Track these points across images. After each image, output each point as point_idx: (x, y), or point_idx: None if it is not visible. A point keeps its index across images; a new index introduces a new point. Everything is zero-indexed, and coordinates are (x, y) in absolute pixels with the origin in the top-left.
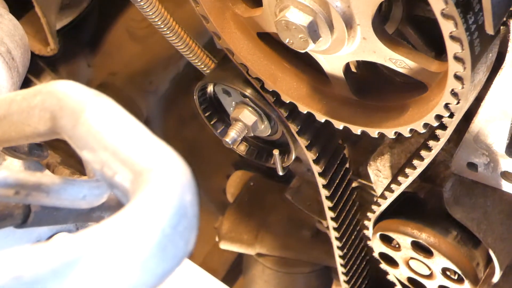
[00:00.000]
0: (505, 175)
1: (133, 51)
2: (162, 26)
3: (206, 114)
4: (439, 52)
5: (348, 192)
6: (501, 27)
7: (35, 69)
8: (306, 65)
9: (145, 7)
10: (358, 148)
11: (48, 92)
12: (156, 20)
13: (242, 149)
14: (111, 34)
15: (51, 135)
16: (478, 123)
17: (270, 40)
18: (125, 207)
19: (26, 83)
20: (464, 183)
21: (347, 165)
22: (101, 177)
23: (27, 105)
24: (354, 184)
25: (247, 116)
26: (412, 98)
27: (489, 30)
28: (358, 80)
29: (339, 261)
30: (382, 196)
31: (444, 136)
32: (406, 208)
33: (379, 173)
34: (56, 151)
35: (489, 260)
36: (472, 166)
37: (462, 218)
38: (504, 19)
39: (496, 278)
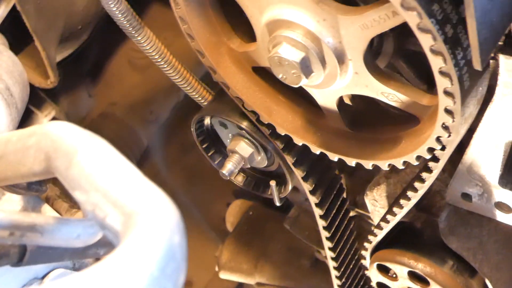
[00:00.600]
0: (499, 205)
1: (134, 81)
2: (158, 59)
3: (204, 146)
4: (431, 85)
5: (346, 222)
6: (491, 61)
7: (37, 100)
8: (301, 98)
9: (142, 41)
10: (355, 178)
11: (43, 133)
12: (153, 53)
13: (239, 180)
14: (111, 64)
15: (46, 174)
16: (471, 155)
17: (265, 74)
18: (114, 251)
19: (27, 114)
20: (459, 213)
21: (344, 195)
22: (93, 218)
23: (22, 146)
24: (351, 214)
25: (244, 148)
26: (405, 130)
27: (477, 66)
28: (352, 113)
29: None
30: (378, 226)
31: (437, 168)
32: (402, 238)
33: (375, 202)
34: (55, 184)
35: None
36: (467, 196)
37: (458, 248)
38: (493, 54)
39: None
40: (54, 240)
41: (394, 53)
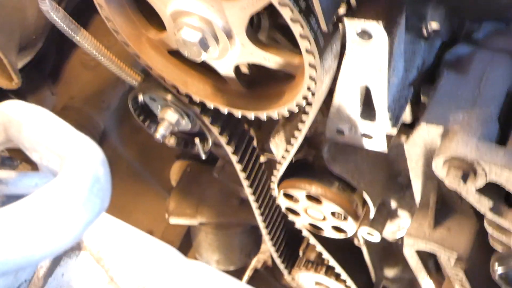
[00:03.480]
0: (364, 135)
1: (87, 78)
2: (95, 52)
3: (141, 118)
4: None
5: (258, 164)
6: (341, 24)
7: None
8: (208, 71)
9: (80, 40)
10: (262, 130)
11: (0, 111)
12: (91, 49)
13: (172, 142)
14: (68, 66)
15: (8, 143)
16: (337, 99)
17: (178, 55)
18: (52, 180)
19: None
20: (337, 146)
21: (254, 144)
22: (43, 168)
23: None
24: (263, 159)
25: (171, 115)
26: (286, 86)
27: (324, 28)
28: (247, 78)
29: (259, 218)
30: (279, 162)
31: (311, 110)
32: (299, 171)
33: (278, 146)
34: (28, 162)
35: (365, 201)
36: (340, 132)
37: (340, 172)
38: (335, 18)
39: (372, 214)
40: (18, 189)
41: (271, 27)
